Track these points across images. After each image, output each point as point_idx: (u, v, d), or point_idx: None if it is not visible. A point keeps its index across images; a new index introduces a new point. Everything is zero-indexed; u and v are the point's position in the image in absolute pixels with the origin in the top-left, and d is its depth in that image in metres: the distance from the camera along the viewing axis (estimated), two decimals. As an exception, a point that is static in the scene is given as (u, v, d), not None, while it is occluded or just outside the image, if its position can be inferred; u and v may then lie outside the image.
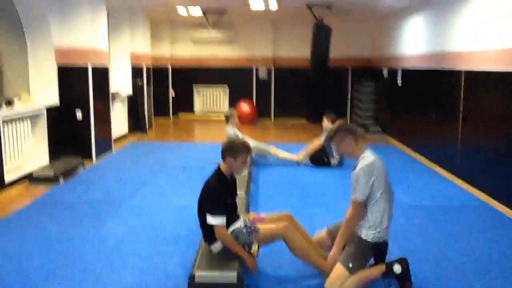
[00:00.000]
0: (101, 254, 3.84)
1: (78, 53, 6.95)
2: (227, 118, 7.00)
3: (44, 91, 6.76)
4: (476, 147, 5.78)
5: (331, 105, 11.98)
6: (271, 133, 10.74)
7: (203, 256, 3.27)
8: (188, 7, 9.22)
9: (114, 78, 9.22)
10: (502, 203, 5.01)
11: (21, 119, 6.04)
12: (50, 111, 6.64)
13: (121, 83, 9.33)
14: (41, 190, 5.72)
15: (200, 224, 3.30)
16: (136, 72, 9.78)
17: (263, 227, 3.35)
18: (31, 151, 6.34)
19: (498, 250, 3.95)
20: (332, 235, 3.44)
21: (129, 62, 9.50)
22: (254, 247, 3.26)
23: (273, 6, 8.87)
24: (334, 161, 7.02)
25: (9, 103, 5.81)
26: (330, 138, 3.35)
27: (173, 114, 12.67)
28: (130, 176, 6.46)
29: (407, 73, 8.74)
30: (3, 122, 5.55)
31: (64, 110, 6.92)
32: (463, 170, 6.06)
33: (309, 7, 8.95)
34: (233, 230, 3.31)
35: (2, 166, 5.47)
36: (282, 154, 7.21)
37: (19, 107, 6.02)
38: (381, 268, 3.23)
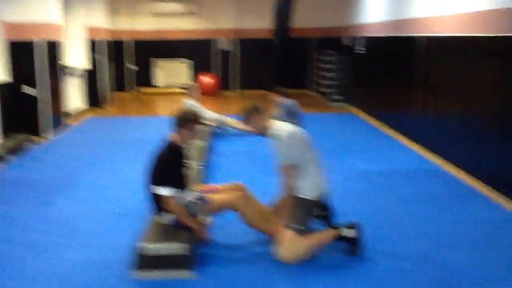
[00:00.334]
0: (50, 231, 3.73)
1: (29, 27, 6.62)
2: (188, 91, 7.06)
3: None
4: (437, 115, 5.84)
5: (295, 75, 12.02)
6: (235, 105, 10.64)
7: (152, 229, 3.22)
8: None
9: (70, 53, 8.90)
10: (463, 170, 5.03)
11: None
12: (1, 88, 6.35)
13: (77, 58, 9.01)
14: (-11, 168, 5.52)
15: (149, 196, 3.25)
16: (94, 47, 9.45)
17: (214, 198, 3.32)
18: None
19: (451, 215, 4.02)
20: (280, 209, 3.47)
21: (87, 36, 9.16)
22: (205, 218, 3.23)
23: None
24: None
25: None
26: (245, 122, 3.45)
27: (135, 88, 12.38)
28: (85, 152, 6.30)
29: (369, 41, 8.73)
30: None
31: (16, 86, 6.63)
32: (424, 138, 6.12)
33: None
34: (184, 201, 3.26)
35: None
36: (242, 125, 7.13)
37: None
38: (332, 232, 3.28)
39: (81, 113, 8.92)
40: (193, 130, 3.22)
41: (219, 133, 7.16)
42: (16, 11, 6.55)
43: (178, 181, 3.21)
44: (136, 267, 2.98)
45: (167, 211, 3.18)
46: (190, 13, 12.07)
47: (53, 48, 7.20)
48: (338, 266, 3.15)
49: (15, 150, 5.99)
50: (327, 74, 10.86)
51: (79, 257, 3.28)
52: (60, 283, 2.94)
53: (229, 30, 12.13)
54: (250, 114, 3.38)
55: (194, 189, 3.43)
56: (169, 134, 3.25)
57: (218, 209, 3.36)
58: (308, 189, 3.27)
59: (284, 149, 3.22)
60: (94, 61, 9.38)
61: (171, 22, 12.16)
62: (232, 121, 7.19)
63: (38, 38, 6.72)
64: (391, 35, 7.35)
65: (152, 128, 7.74)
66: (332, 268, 3.13)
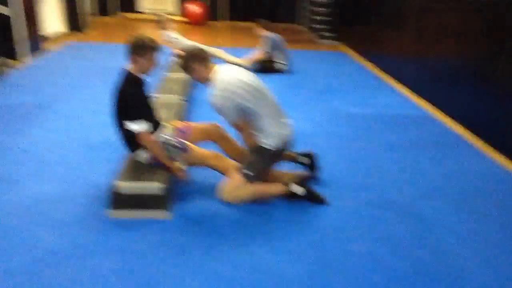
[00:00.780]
0: (23, 162, 3.56)
1: None
2: (160, 24, 6.69)
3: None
4: (428, 59, 5.63)
5: (286, 8, 11.54)
6: (223, 37, 10.24)
7: (127, 167, 3.06)
8: None
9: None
10: (452, 118, 4.93)
11: None
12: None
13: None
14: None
15: (121, 135, 3.05)
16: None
17: (193, 149, 3.16)
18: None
19: (438, 164, 3.92)
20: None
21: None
22: (180, 164, 3.09)
23: None
24: (282, 66, 6.78)
25: None
26: (184, 70, 3.11)
27: (115, 12, 11.79)
28: (63, 78, 6.01)
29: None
30: None
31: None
32: (415, 83, 5.95)
33: None
34: (163, 143, 3.09)
35: None
36: (229, 57, 6.88)
37: None
38: (281, 188, 3.13)
39: (60, 37, 8.48)
40: (149, 58, 2.92)
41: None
42: None
43: (146, 114, 2.99)
44: (111, 205, 2.86)
45: (143, 148, 3.02)
46: None
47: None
48: (313, 214, 3.07)
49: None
50: (320, 10, 10.43)
51: (52, 190, 3.14)
52: (30, 217, 2.82)
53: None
54: (188, 63, 3.04)
55: (169, 125, 3.25)
56: (128, 64, 2.98)
57: (194, 163, 3.21)
58: (266, 138, 3.07)
59: (226, 105, 2.95)
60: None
61: None
62: (219, 52, 6.90)
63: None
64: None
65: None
66: (308, 216, 3.05)
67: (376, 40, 7.48)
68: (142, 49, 2.90)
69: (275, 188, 3.14)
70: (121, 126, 3.00)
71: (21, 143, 3.92)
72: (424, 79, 5.60)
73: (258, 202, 3.10)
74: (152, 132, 3.04)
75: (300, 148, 3.61)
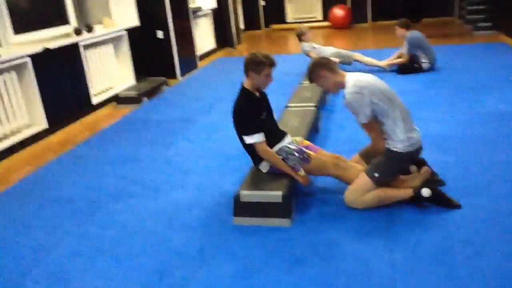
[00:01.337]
0: (165, 172, 3.95)
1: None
2: (299, 37, 6.88)
3: (123, 14, 6.87)
4: None
5: (437, 1, 10.79)
6: (366, 39, 10.00)
7: (251, 176, 3.20)
8: None
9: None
10: None
11: (103, 43, 6.24)
12: (132, 32, 6.78)
13: (205, -2, 9.19)
14: (126, 110, 6.01)
15: (243, 147, 3.20)
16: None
17: (314, 157, 3.16)
18: (117, 74, 6.61)
19: None
20: (366, 157, 3.23)
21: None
22: (301, 172, 3.11)
23: None
24: (425, 65, 6.37)
25: (89, 29, 6.00)
26: (310, 81, 3.08)
27: (265, 25, 12.33)
28: (209, 93, 6.50)
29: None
30: (84, 47, 5.78)
31: (145, 31, 7.02)
32: None
33: None
34: (281, 149, 3.16)
35: (88, 90, 5.79)
36: (367, 59, 6.71)
37: (99, 31, 6.20)
38: (409, 191, 2.95)
39: (211, 53, 9.18)
40: (265, 74, 3.01)
41: (344, 67, 6.82)
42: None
43: (263, 126, 3.07)
44: (234, 212, 3.02)
45: (262, 158, 3.12)
46: None
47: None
48: (440, 224, 2.81)
49: (148, 92, 6.42)
50: (474, -1, 9.55)
51: (186, 197, 3.43)
52: (166, 221, 3.12)
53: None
54: (316, 72, 3.03)
55: (289, 137, 3.30)
56: (244, 79, 3.11)
57: (315, 171, 3.19)
58: (396, 141, 2.93)
59: (359, 103, 2.87)
60: (221, 0, 9.45)
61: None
62: (357, 55, 6.78)
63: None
64: None
65: (279, 67, 7.66)
66: (434, 225, 2.80)
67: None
68: (258, 65, 3.01)
69: (402, 192, 3.00)
70: (241, 140, 3.14)
71: (166, 154, 4.35)
72: None
73: (383, 206, 2.97)
74: (273, 143, 3.12)
75: (434, 152, 3.35)
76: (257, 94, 3.15)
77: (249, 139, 3.03)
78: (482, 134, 4.11)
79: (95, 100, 5.92)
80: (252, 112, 3.06)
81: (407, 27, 6.33)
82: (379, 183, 2.96)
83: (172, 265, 2.63)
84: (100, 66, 6.17)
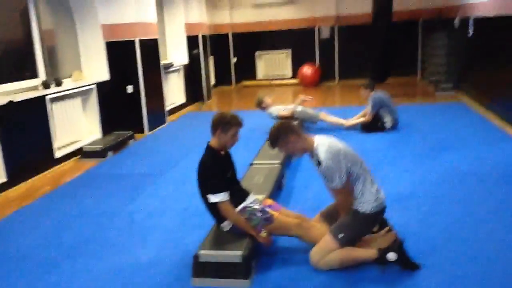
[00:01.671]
0: (125, 229, 3.86)
1: (125, 28, 6.98)
2: (259, 106, 6.97)
3: (94, 68, 6.93)
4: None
5: (399, 61, 11.27)
6: (334, 96, 10.29)
7: (212, 235, 3.15)
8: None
9: (169, 49, 9.28)
10: None
11: (71, 96, 6.22)
12: (101, 87, 6.80)
13: (176, 54, 9.36)
14: (90, 164, 5.92)
15: (205, 206, 3.17)
16: (193, 42, 9.72)
17: (277, 217, 3.15)
18: (84, 127, 6.56)
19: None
20: (328, 217, 3.22)
21: (184, 32, 9.46)
22: (263, 234, 3.09)
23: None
24: (388, 124, 6.56)
25: (58, 83, 5.99)
26: (272, 147, 3.08)
27: (236, 81, 12.58)
28: (176, 147, 6.48)
29: (480, 22, 7.83)
30: (51, 101, 5.74)
31: (115, 85, 7.06)
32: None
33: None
34: (245, 208, 3.14)
35: (51, 143, 5.70)
36: (331, 118, 6.87)
37: (68, 85, 6.20)
38: (373, 252, 2.94)
39: (180, 108, 9.25)
40: (232, 134, 3.06)
41: (308, 126, 6.98)
42: (112, 14, 6.92)
43: (228, 185, 3.06)
44: (193, 273, 2.94)
45: (225, 217, 3.09)
46: (290, 2, 11.89)
47: (150, 46, 7.51)
48: (405, 285, 2.80)
49: (114, 146, 6.37)
50: (436, 60, 10.03)
51: (145, 256, 3.34)
52: (122, 282, 3.01)
53: (328, 17, 11.73)
54: (282, 137, 3.00)
55: (252, 196, 3.28)
56: (211, 138, 3.14)
57: (278, 231, 3.17)
58: (364, 202, 2.97)
59: (337, 168, 2.89)
60: (193, 56, 9.64)
61: (271, 12, 12.08)
62: (322, 114, 6.95)
63: (136, 37, 7.04)
64: (505, 14, 6.48)
65: (247, 124, 7.75)
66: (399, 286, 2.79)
67: (499, 86, 6.90)
68: (225, 125, 3.05)
69: (366, 253, 2.98)
70: (204, 198, 3.11)
71: (128, 210, 4.26)
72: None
73: (348, 267, 2.95)
74: (236, 202, 3.10)
75: (394, 211, 3.39)
76: (222, 153, 3.16)
77: (213, 198, 3.01)
78: (441, 194, 4.19)
79: (58, 154, 5.82)
80: (217, 171, 3.06)
81: (371, 88, 6.57)
82: (344, 243, 2.95)
83: (124, 330, 2.51)
84: (66, 119, 6.12)
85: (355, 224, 3.00)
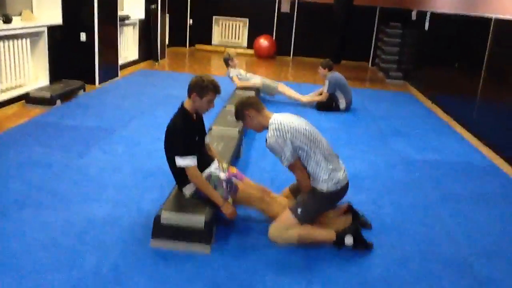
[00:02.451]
0: (78, 182, 3.72)
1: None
2: (226, 62, 6.93)
3: (47, 10, 6.50)
4: (496, 103, 5.36)
5: (355, 46, 11.49)
6: (288, 71, 10.34)
7: (174, 197, 3.11)
8: None
9: (125, 0, 8.87)
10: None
11: (19, 37, 5.81)
12: (53, 31, 6.40)
13: (132, 7, 8.96)
14: (37, 111, 5.61)
15: (170, 168, 3.11)
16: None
17: (241, 189, 3.14)
18: (31, 71, 6.17)
19: (502, 221, 3.63)
20: (295, 192, 3.30)
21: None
22: (229, 201, 3.09)
23: None
24: (342, 105, 6.72)
25: (7, 20, 5.57)
26: (237, 119, 3.15)
27: (190, 44, 12.29)
28: (129, 104, 6.28)
29: (435, 17, 8.12)
30: (-2, 38, 5.35)
31: (68, 31, 6.68)
32: (479, 128, 5.67)
33: None
34: (210, 176, 3.10)
35: (-5, 83, 5.35)
36: (289, 92, 6.93)
37: (17, 24, 5.78)
38: (332, 235, 3.03)
39: (133, 64, 8.93)
40: (208, 100, 3.00)
41: (267, 98, 7.00)
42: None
43: (196, 149, 3.01)
44: (153, 234, 2.90)
45: (188, 181, 3.05)
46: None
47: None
48: (359, 262, 2.93)
49: (63, 95, 6.05)
50: (389, 49, 10.32)
51: (101, 213, 3.24)
52: (78, 237, 2.91)
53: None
54: (243, 111, 3.07)
55: (222, 166, 3.25)
56: (186, 99, 3.06)
57: (242, 201, 3.18)
58: (321, 181, 3.01)
59: (282, 146, 2.93)
60: (150, 13, 9.29)
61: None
62: (281, 86, 6.99)
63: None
64: (459, 12, 6.75)
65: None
66: (353, 264, 2.92)
67: (445, 82, 7.23)
68: (203, 89, 2.96)
69: (325, 234, 3.05)
70: (169, 159, 3.05)
71: (79, 163, 4.10)
72: (496, 126, 5.30)
73: (303, 244, 3.02)
74: (202, 168, 3.07)
75: (350, 192, 3.49)
76: (195, 116, 3.10)
77: (181, 161, 2.94)
78: (392, 177, 4.38)
79: (1, 96, 5.46)
80: (188, 133, 2.98)
81: (329, 68, 6.66)
82: (302, 220, 3.00)
83: (83, 284, 2.45)
84: (12, 60, 5.72)
85: (313, 202, 3.05)
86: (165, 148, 3.07)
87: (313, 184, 3.05)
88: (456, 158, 5.07)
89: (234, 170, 3.30)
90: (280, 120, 3.00)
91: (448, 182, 4.35)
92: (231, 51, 7.13)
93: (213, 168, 3.17)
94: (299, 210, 3.01)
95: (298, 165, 3.03)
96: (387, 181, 4.27)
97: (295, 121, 3.05)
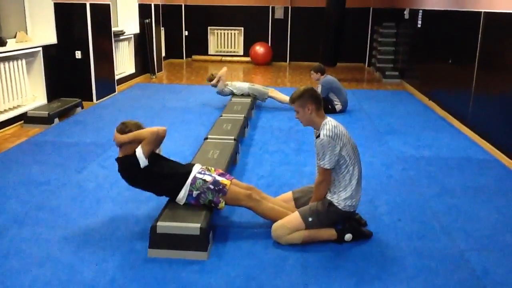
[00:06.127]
0: (76, 198, 3.76)
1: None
2: (210, 80, 6.93)
3: (41, 30, 6.58)
4: (490, 96, 5.36)
5: (350, 48, 11.53)
6: (285, 77, 10.38)
7: (168, 207, 3.14)
8: None
9: (119, 16, 8.96)
10: None
11: (14, 58, 5.89)
12: (48, 50, 6.48)
13: (127, 22, 9.06)
14: (35, 130, 5.67)
15: (156, 193, 3.30)
16: (145, 11, 9.43)
17: (230, 188, 3.16)
18: (28, 92, 6.24)
19: (499, 214, 3.63)
20: (297, 200, 3.32)
21: (139, 1, 9.15)
22: (221, 204, 3.12)
23: None
24: (338, 107, 6.75)
25: (1, 43, 5.65)
26: (292, 101, 3.09)
27: (186, 55, 12.38)
28: (126, 118, 6.21)
29: (427, 14, 8.14)
30: (-7, 61, 5.43)
31: (63, 49, 6.75)
32: (475, 121, 5.68)
33: None
34: (195, 180, 3.12)
35: (-8, 106, 5.41)
36: (280, 97, 6.96)
37: (12, 46, 5.86)
38: (333, 234, 3.09)
39: (129, 78, 9.00)
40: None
41: (259, 104, 7.05)
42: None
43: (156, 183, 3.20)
44: (150, 244, 2.93)
45: (183, 191, 3.12)
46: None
47: (101, 11, 7.23)
48: (356, 260, 2.94)
49: (60, 113, 6.12)
50: (384, 49, 10.35)
51: (98, 226, 3.28)
52: (76, 250, 2.94)
53: (285, -2, 11.77)
54: (306, 98, 3.01)
55: (206, 168, 3.31)
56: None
57: (231, 203, 3.21)
58: (344, 201, 3.04)
59: (331, 148, 2.94)
60: (145, 27, 9.38)
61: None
62: (271, 91, 7.03)
63: (88, 1, 6.75)
64: (450, 8, 6.78)
65: (196, 97, 7.69)
66: (350, 262, 2.93)
67: (440, 78, 7.25)
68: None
69: (327, 234, 3.09)
70: (151, 188, 3.29)
71: (77, 179, 4.14)
72: (491, 118, 5.31)
73: (306, 244, 3.05)
74: (183, 178, 3.16)
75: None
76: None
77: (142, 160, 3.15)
78: (389, 175, 4.39)
79: (1, 118, 5.53)
80: (141, 174, 3.19)
81: (322, 72, 6.71)
82: (309, 227, 3.04)
83: (80, 299, 2.48)
84: (9, 82, 5.79)
85: (327, 215, 3.06)
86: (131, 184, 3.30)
87: (332, 196, 3.06)
88: (453, 153, 5.08)
89: (219, 170, 3.36)
90: (336, 124, 3.03)
91: (445, 177, 4.36)
92: (212, 73, 7.08)
93: (196, 172, 3.19)
94: (310, 218, 3.03)
95: (329, 174, 3.03)
96: (382, 179, 4.27)
97: (345, 131, 3.07)
